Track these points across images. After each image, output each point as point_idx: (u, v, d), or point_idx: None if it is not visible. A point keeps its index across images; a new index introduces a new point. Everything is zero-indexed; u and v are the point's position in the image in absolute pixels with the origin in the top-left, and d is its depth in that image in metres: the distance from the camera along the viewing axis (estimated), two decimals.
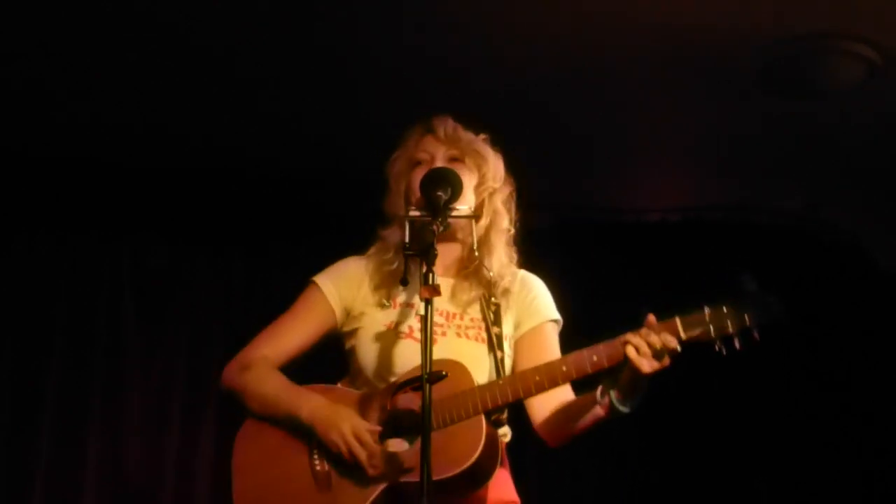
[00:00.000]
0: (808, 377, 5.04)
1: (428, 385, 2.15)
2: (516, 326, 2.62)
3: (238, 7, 3.69)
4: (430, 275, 2.23)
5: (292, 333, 2.64)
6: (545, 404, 2.52)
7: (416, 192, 2.51)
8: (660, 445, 4.93)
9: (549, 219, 4.99)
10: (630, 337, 2.27)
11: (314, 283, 2.66)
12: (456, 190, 2.44)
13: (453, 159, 2.61)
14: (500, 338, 2.55)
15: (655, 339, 2.24)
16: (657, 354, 2.25)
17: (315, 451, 2.45)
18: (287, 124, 4.44)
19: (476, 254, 2.53)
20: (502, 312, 2.59)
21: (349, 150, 4.39)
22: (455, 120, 2.68)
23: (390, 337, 2.53)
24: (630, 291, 4.83)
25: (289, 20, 3.75)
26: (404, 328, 2.53)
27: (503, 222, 2.64)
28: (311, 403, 2.46)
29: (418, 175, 2.54)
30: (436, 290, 2.22)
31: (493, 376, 2.51)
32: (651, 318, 2.29)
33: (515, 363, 2.59)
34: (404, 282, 2.41)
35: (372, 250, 2.66)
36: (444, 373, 2.31)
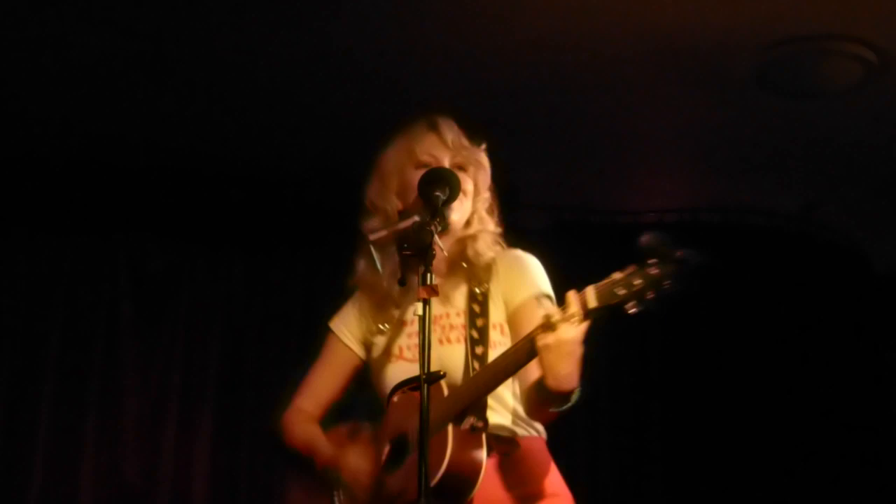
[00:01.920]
0: (805, 378, 5.04)
1: (426, 385, 2.16)
2: (506, 305, 2.58)
3: (237, 11, 3.69)
4: (428, 275, 2.23)
5: (319, 384, 2.75)
6: (522, 382, 2.48)
7: (413, 193, 2.51)
8: (661, 450, 4.95)
9: (545, 219, 5.00)
10: (545, 319, 2.22)
11: (330, 329, 2.75)
12: (454, 191, 2.44)
13: (458, 168, 2.59)
14: (484, 330, 2.52)
15: (567, 313, 2.19)
16: (564, 325, 2.19)
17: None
18: (286, 125, 4.43)
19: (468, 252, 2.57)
20: (490, 299, 2.57)
21: (349, 151, 4.38)
22: (457, 123, 2.67)
23: (384, 361, 2.60)
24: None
25: (290, 22, 3.75)
26: (395, 349, 2.58)
27: (489, 225, 2.64)
28: (322, 457, 2.60)
29: (419, 177, 2.52)
30: (434, 291, 2.22)
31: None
32: (569, 294, 2.23)
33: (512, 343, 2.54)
34: (402, 282, 2.42)
35: (360, 269, 2.67)
36: (442, 372, 2.31)
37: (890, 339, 5.17)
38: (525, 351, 2.26)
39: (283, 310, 4.78)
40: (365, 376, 2.74)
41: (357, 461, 2.52)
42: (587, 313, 2.18)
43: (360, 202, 2.68)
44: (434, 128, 2.64)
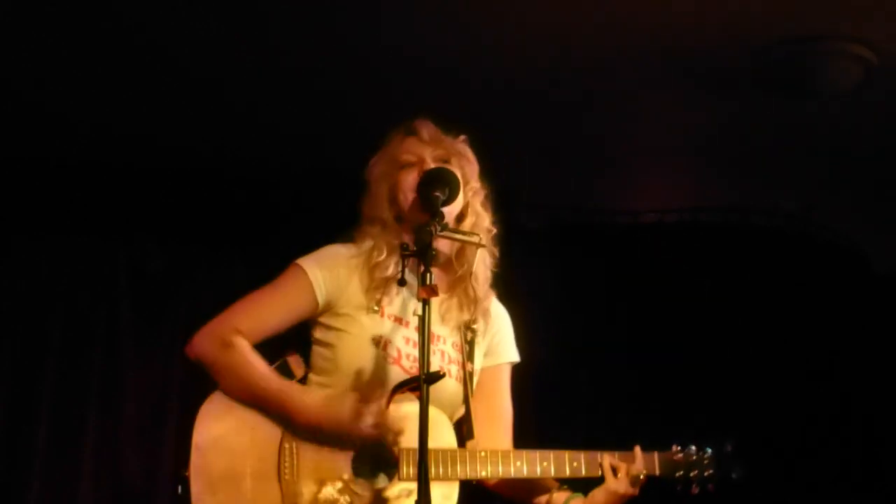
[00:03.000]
0: (804, 379, 5.04)
1: (426, 385, 2.16)
2: (485, 355, 2.70)
3: (237, 10, 3.69)
4: (428, 275, 2.23)
5: (271, 316, 2.59)
6: (488, 437, 2.58)
7: (407, 194, 2.55)
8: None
9: (544, 219, 5.00)
10: (612, 460, 2.49)
11: (300, 267, 2.60)
12: (454, 191, 2.46)
13: (441, 160, 2.61)
14: (471, 378, 2.61)
15: (636, 469, 2.48)
16: (634, 482, 2.48)
17: (286, 450, 2.43)
18: (287, 125, 4.43)
19: (470, 275, 2.59)
20: (476, 345, 2.65)
21: (349, 151, 4.38)
22: (434, 123, 2.69)
23: (378, 358, 2.51)
24: (625, 293, 4.84)
25: (290, 21, 3.75)
26: (392, 351, 2.53)
27: (485, 223, 2.65)
28: (311, 410, 2.44)
29: (406, 177, 2.56)
30: (434, 291, 2.22)
31: (458, 417, 2.57)
32: (637, 449, 2.55)
33: (476, 395, 2.63)
34: (402, 282, 2.40)
35: (365, 245, 2.61)
36: (441, 373, 2.31)
37: (889, 340, 5.17)
38: (573, 470, 2.49)
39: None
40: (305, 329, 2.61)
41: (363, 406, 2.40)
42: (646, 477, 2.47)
43: (358, 216, 2.68)
44: (410, 130, 2.68)
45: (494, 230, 2.67)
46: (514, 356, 2.75)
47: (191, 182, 4.78)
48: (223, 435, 2.49)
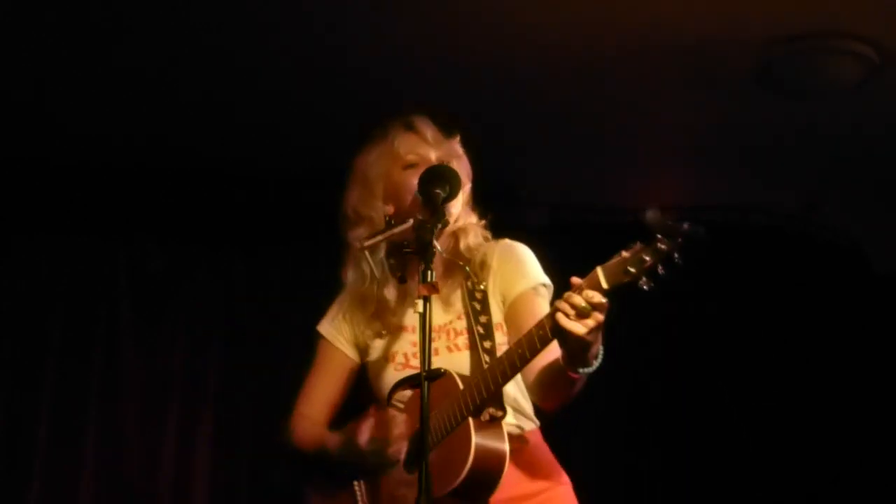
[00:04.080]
0: (804, 378, 5.04)
1: (426, 383, 2.16)
2: (503, 298, 2.59)
3: (236, 10, 3.69)
4: (429, 272, 2.22)
5: (322, 390, 2.74)
6: (529, 371, 2.44)
7: (408, 194, 2.54)
8: (661, 450, 4.95)
9: (544, 217, 5.00)
10: (556, 303, 2.19)
11: (319, 333, 2.75)
12: (454, 188, 2.44)
13: (444, 162, 2.59)
14: (488, 326, 2.52)
15: (578, 299, 2.13)
16: (582, 313, 2.14)
17: (357, 490, 2.55)
18: (287, 125, 4.43)
19: (458, 246, 2.56)
20: (489, 297, 2.57)
21: (349, 151, 4.38)
22: (431, 118, 2.69)
23: (389, 370, 2.59)
24: (625, 291, 4.82)
25: (290, 21, 3.75)
26: (400, 358, 2.58)
27: (472, 217, 2.65)
28: (335, 441, 2.57)
29: (411, 178, 2.53)
30: (434, 288, 2.22)
31: None
32: (573, 279, 2.20)
33: (510, 339, 2.53)
34: (402, 279, 2.41)
35: (349, 279, 2.67)
36: (442, 370, 2.31)
37: (889, 340, 5.17)
38: (540, 337, 2.23)
39: (283, 310, 4.77)
40: (362, 379, 2.73)
41: (377, 433, 2.48)
42: (606, 292, 2.15)
43: (341, 212, 2.69)
44: (412, 127, 2.66)
45: (483, 221, 2.65)
46: (535, 280, 2.57)
47: (191, 182, 4.78)
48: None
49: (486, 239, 2.63)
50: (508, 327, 2.55)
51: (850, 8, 3.61)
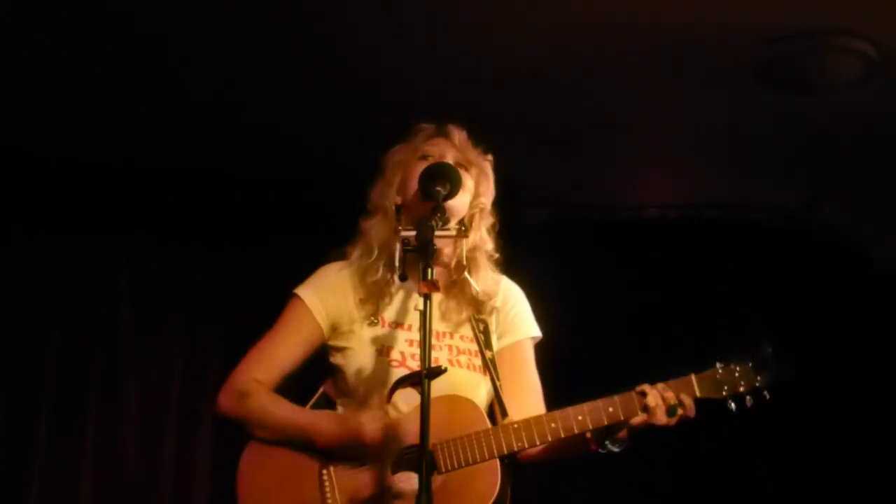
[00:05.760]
0: (803, 376, 5.02)
1: (427, 381, 2.15)
2: (499, 338, 2.64)
3: (237, 10, 3.69)
4: (429, 270, 2.22)
5: (281, 354, 2.62)
6: (520, 412, 2.51)
7: (414, 185, 2.52)
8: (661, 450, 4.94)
9: (546, 215, 5.00)
10: (647, 389, 2.34)
11: (298, 297, 2.64)
12: (455, 187, 2.45)
13: (460, 165, 2.60)
14: (494, 363, 2.57)
15: (671, 396, 2.32)
16: (671, 410, 2.33)
17: (325, 479, 2.45)
18: (286, 125, 4.43)
19: (464, 264, 2.54)
20: (491, 333, 2.61)
21: (349, 151, 4.38)
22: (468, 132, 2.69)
23: (382, 366, 2.52)
24: (627, 288, 4.82)
25: (291, 21, 3.75)
26: (396, 355, 2.53)
27: (487, 245, 2.64)
28: (329, 434, 2.46)
29: (421, 168, 2.53)
30: (434, 286, 2.22)
31: (485, 404, 2.54)
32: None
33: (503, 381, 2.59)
34: (403, 277, 2.40)
35: (354, 254, 2.64)
36: (443, 368, 2.30)
37: (891, 337, 5.16)
38: (609, 414, 2.36)
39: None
40: (321, 357, 2.63)
41: (388, 430, 2.41)
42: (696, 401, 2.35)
43: (365, 200, 2.67)
44: (442, 128, 2.68)
45: (496, 255, 2.65)
46: (534, 331, 2.68)
47: (191, 182, 4.78)
48: (265, 482, 2.51)
49: (493, 282, 2.65)
50: (502, 365, 2.60)
51: (849, 5, 3.60)
